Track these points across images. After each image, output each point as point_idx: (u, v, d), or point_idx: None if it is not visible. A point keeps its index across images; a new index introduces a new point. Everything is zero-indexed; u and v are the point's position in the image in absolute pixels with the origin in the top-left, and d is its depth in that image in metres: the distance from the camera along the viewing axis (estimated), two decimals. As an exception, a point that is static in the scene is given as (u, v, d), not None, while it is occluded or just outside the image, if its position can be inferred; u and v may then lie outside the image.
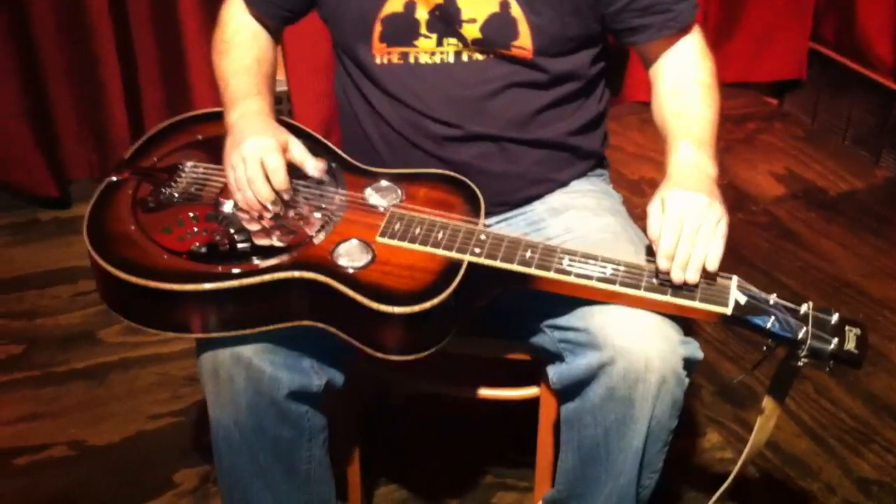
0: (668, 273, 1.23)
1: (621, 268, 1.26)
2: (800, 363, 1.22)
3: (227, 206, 1.38)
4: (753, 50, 3.44)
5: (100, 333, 2.27)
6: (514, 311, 1.45)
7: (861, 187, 3.03)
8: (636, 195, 2.82)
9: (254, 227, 1.35)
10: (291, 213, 1.37)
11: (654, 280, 1.24)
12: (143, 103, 2.70)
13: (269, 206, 1.34)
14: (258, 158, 1.32)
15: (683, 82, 1.46)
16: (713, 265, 1.22)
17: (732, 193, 2.94)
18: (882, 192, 3.02)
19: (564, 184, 1.56)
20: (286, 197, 1.36)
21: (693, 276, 1.22)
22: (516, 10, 1.40)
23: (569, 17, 1.43)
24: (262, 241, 1.33)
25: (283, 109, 2.84)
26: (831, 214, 2.86)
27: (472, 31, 1.42)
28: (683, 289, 1.23)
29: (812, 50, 3.42)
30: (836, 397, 2.14)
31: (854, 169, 3.14)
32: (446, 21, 1.42)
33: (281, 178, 1.33)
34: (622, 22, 1.46)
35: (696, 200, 1.25)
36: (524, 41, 1.42)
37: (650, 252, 1.28)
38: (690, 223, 1.23)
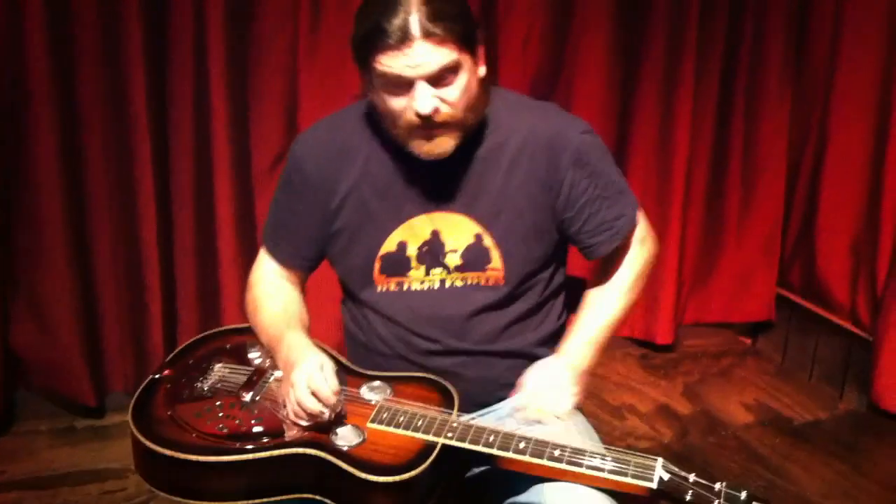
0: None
1: (567, 450, 1.53)
2: (713, 531, 1.45)
3: (247, 398, 1.70)
4: (729, 294, 3.75)
5: (122, 526, 2.50)
6: (480, 489, 1.70)
7: (824, 418, 3.25)
8: (616, 419, 3.12)
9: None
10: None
11: (596, 460, 1.51)
12: (178, 324, 2.98)
13: (320, 416, 1.60)
14: (304, 382, 1.59)
15: (609, 283, 1.83)
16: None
17: (705, 420, 3.19)
18: (844, 423, 3.23)
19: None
20: (332, 407, 1.60)
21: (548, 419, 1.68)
22: (488, 241, 1.75)
23: (532, 241, 1.77)
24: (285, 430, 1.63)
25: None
26: (796, 441, 3.07)
27: (454, 260, 1.75)
28: (618, 467, 1.50)
29: (780, 295, 3.71)
30: None
31: (819, 402, 3.36)
32: (433, 254, 1.76)
33: (325, 395, 1.58)
34: (579, 242, 1.81)
35: (561, 381, 1.72)
36: (496, 263, 1.76)
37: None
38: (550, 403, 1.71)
